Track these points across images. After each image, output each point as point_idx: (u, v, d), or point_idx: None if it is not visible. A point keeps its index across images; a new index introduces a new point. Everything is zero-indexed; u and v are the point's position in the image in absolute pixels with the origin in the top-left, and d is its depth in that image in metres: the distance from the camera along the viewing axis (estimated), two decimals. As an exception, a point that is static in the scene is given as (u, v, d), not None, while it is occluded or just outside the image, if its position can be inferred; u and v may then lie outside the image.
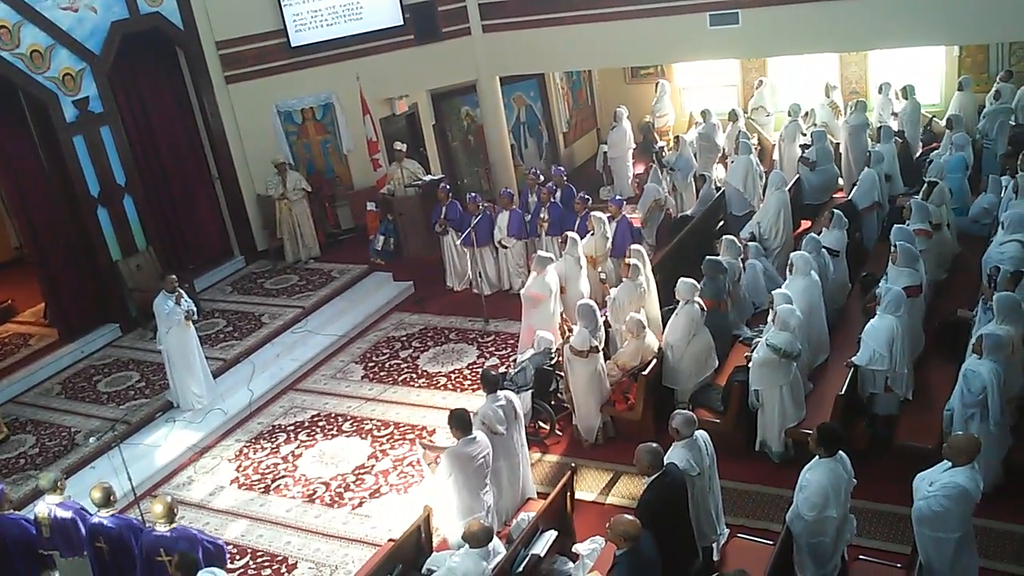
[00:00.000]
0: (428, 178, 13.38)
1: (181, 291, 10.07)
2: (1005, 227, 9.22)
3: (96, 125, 12.12)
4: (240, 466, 9.53)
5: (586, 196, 11.89)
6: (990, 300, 7.66)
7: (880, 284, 8.55)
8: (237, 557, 8.07)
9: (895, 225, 9.51)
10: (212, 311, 12.83)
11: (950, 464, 5.70)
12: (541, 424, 9.06)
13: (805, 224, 12.39)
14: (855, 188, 11.80)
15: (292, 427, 10.09)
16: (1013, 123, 13.06)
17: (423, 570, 6.69)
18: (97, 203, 12.20)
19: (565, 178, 12.77)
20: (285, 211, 13.74)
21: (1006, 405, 6.94)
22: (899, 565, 6.38)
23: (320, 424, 10.07)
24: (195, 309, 10.24)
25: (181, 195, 13.77)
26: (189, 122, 13.88)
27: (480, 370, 9.58)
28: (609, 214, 11.17)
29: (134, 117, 13.05)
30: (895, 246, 8.77)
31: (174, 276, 10.24)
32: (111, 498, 6.82)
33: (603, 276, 10.90)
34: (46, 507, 6.86)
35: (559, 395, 9.20)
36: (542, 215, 12.02)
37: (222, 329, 12.26)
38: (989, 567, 6.31)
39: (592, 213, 11.10)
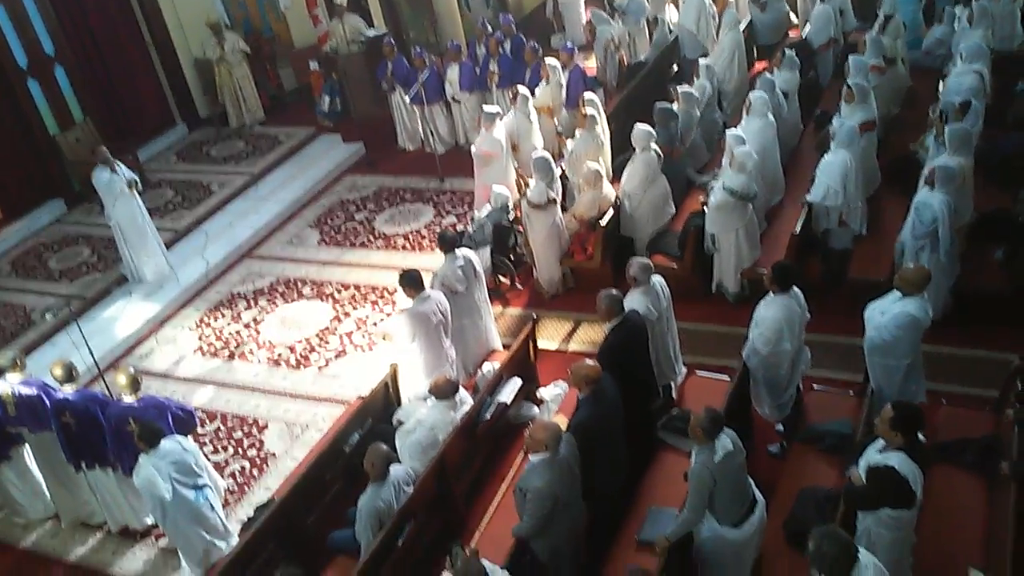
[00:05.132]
0: (372, 33, 12.89)
1: (114, 160, 9.70)
2: (964, 58, 9.15)
3: (15, -10, 11.45)
4: (202, 335, 9.51)
5: (536, 45, 11.54)
6: (941, 135, 7.67)
7: (833, 121, 8.53)
8: (207, 422, 8.18)
9: (851, 56, 9.39)
10: (159, 182, 12.56)
11: (901, 294, 5.84)
12: (501, 278, 9.12)
13: (760, 65, 12.20)
14: (809, 25, 11.59)
15: (251, 294, 10.04)
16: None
17: (393, 422, 6.83)
18: (27, 75, 11.69)
19: (514, 27, 12.34)
20: (225, 75, 13.29)
21: (955, 234, 7.06)
22: (851, 392, 6.64)
23: (279, 290, 10.03)
24: (137, 178, 9.90)
25: (115, 63, 13.14)
26: (116, -17, 13.12)
27: (438, 230, 9.52)
28: (561, 62, 10.90)
29: (55, -20, 12.28)
30: (848, 83, 8.71)
31: (103, 147, 9.88)
32: (72, 373, 6.82)
33: (560, 129, 10.71)
34: (8, 385, 6.83)
35: (518, 249, 9.21)
36: (491, 67, 11.67)
37: (171, 200, 12.03)
38: (935, 389, 6.57)
39: (545, 60, 10.81)
